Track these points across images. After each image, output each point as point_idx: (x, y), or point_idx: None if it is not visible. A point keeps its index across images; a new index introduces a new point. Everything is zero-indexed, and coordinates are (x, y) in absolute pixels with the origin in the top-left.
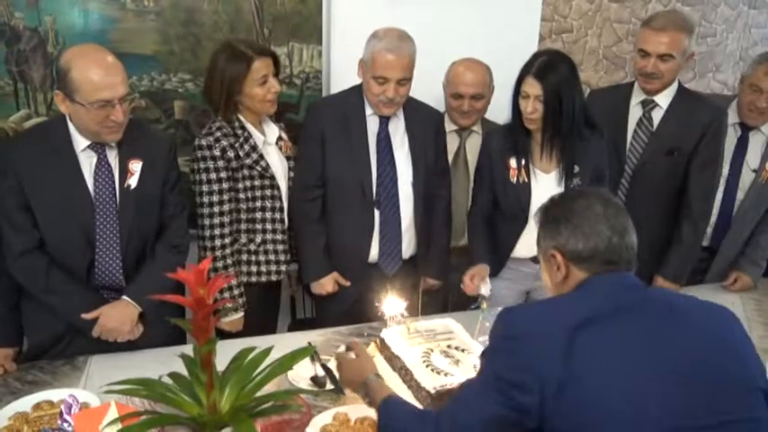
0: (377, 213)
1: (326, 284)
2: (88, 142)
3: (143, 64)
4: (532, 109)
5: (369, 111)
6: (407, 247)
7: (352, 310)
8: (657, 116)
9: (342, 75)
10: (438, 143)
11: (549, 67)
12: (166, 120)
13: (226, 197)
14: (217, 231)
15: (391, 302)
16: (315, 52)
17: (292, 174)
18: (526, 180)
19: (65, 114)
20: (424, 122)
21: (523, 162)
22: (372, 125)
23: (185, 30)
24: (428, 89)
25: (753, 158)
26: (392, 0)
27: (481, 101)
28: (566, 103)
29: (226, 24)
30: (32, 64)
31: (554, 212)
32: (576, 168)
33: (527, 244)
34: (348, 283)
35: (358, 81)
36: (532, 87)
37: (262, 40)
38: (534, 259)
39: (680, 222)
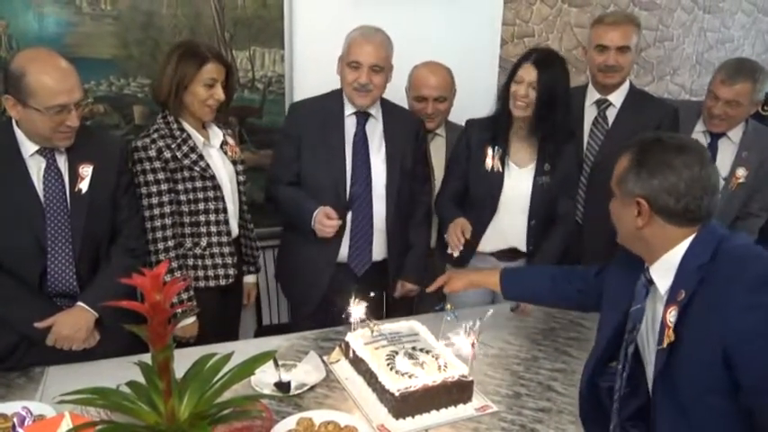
0: (349, 214)
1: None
2: (37, 147)
3: (101, 68)
4: (525, 93)
5: (347, 111)
6: (378, 249)
7: (321, 309)
8: (612, 114)
9: (305, 79)
10: (417, 149)
11: (548, 59)
12: (126, 125)
13: (166, 198)
14: (159, 234)
15: (356, 306)
16: (277, 56)
17: (241, 178)
18: (500, 170)
19: (9, 119)
20: (403, 126)
21: (500, 152)
22: (350, 126)
23: (144, 34)
24: (391, 93)
25: (722, 166)
26: (355, 4)
27: (444, 103)
28: (558, 96)
29: (186, 28)
30: None
31: (650, 160)
32: (548, 167)
33: (493, 237)
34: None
35: (321, 85)
36: (529, 74)
37: (223, 44)
38: (497, 255)
39: None
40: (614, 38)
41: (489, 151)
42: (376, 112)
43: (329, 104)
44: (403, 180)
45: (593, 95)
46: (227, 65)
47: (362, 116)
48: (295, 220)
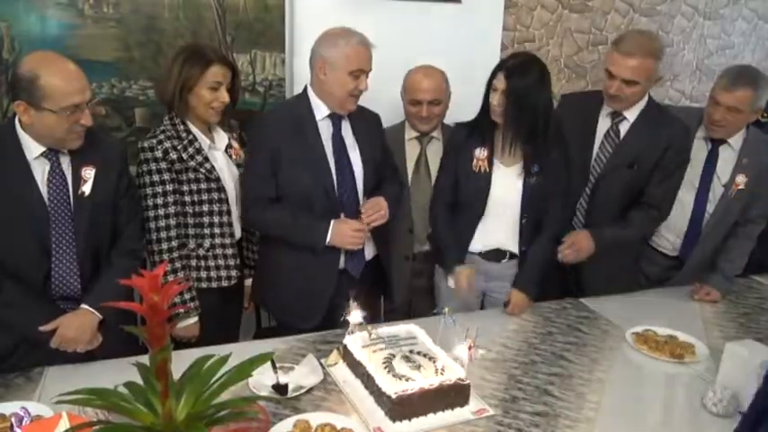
0: (342, 216)
1: (345, 233)
2: (42, 149)
3: (103, 71)
4: (498, 102)
5: (319, 115)
6: (369, 248)
7: (326, 319)
8: (624, 129)
9: (305, 82)
10: (383, 141)
11: (520, 68)
12: (127, 127)
13: (171, 199)
14: (163, 234)
15: (355, 309)
16: (278, 60)
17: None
18: (487, 170)
19: (12, 122)
20: (367, 122)
21: (486, 153)
22: (325, 129)
23: (146, 37)
24: (392, 97)
25: (723, 173)
26: (356, 8)
27: (439, 106)
28: (529, 104)
29: (187, 31)
30: None
31: None
32: (536, 168)
33: (482, 237)
34: None
35: None
36: (501, 83)
37: (224, 47)
38: (484, 255)
39: (627, 217)
40: (622, 69)
41: (477, 152)
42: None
43: (298, 111)
44: (377, 174)
45: (608, 107)
46: (233, 67)
47: (336, 118)
48: (298, 239)
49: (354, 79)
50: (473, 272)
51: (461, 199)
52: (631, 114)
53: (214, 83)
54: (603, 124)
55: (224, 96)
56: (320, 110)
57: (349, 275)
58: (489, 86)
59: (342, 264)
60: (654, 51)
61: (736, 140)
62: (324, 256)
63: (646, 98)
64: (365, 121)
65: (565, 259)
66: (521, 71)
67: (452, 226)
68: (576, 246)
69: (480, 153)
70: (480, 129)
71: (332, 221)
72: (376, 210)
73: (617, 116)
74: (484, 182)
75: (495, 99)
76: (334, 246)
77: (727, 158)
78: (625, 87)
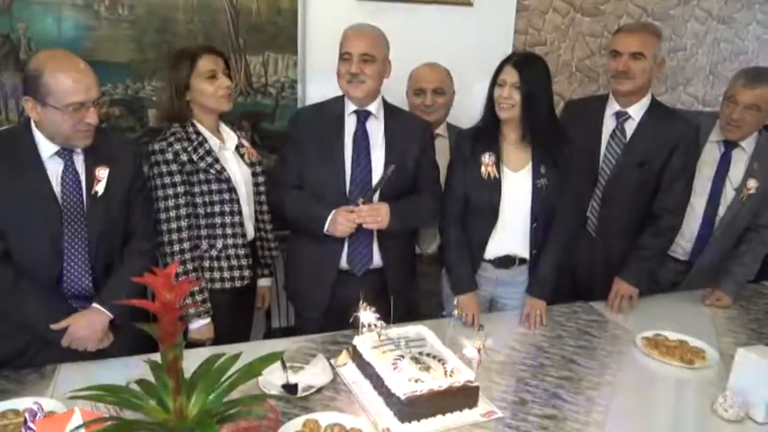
0: None
1: (337, 220)
2: (56, 149)
3: (117, 72)
4: (508, 95)
5: (348, 111)
6: (377, 255)
7: (327, 316)
8: (630, 128)
9: (317, 84)
10: (422, 150)
11: (528, 60)
12: (140, 128)
13: (182, 201)
14: (175, 236)
15: (365, 311)
16: (290, 62)
17: (260, 179)
18: (497, 176)
19: (28, 121)
20: (405, 127)
21: (493, 158)
22: (350, 125)
23: (160, 38)
24: (405, 99)
25: (735, 176)
26: (367, 11)
27: (443, 97)
28: (539, 95)
29: (200, 33)
30: (3, 71)
31: None
32: (544, 169)
33: (496, 244)
34: None
35: (333, 91)
36: (510, 75)
37: (237, 49)
38: (496, 263)
39: (645, 230)
40: (628, 43)
41: (483, 159)
42: (377, 111)
43: (331, 107)
44: (403, 180)
45: (612, 107)
46: (221, 54)
47: (362, 114)
48: (304, 223)
49: (344, 63)
50: (476, 301)
51: (473, 209)
52: (636, 113)
53: (208, 72)
54: (609, 124)
55: (225, 81)
56: (350, 106)
57: (353, 275)
58: (494, 84)
59: (344, 261)
60: (654, 30)
61: (749, 143)
62: (326, 247)
63: (649, 97)
64: (405, 126)
65: (623, 312)
66: (530, 62)
67: (463, 245)
68: (620, 292)
69: (488, 159)
70: (486, 133)
71: (333, 210)
72: (373, 214)
73: (622, 115)
74: (495, 188)
75: (505, 92)
76: (335, 236)
77: (740, 162)
78: (632, 62)
